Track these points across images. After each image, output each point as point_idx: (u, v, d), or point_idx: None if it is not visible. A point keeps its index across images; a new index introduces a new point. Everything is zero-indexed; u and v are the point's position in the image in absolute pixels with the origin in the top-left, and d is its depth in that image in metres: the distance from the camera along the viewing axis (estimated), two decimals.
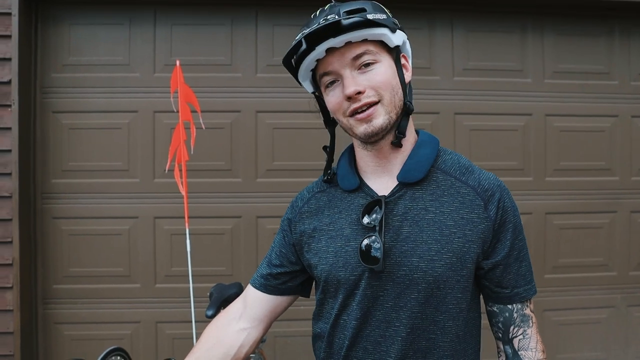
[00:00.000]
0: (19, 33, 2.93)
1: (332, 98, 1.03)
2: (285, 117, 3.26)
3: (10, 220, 2.94)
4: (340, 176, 1.13)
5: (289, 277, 1.19)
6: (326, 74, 1.02)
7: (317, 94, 1.12)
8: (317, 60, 1.01)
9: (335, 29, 0.95)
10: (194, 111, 2.73)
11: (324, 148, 1.17)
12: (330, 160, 1.17)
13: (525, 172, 3.35)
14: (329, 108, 1.07)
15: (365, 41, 0.99)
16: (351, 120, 1.02)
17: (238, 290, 2.37)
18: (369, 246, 1.00)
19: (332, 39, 0.96)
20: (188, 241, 2.69)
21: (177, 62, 2.69)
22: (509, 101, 3.35)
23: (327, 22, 0.94)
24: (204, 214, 3.19)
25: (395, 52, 1.04)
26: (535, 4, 3.32)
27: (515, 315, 1.06)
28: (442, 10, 3.30)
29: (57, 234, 3.16)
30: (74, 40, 3.19)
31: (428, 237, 1.00)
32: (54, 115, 3.17)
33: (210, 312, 2.12)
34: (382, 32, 0.99)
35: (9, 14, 2.92)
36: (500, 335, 1.09)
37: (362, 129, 1.01)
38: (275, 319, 1.23)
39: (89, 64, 3.19)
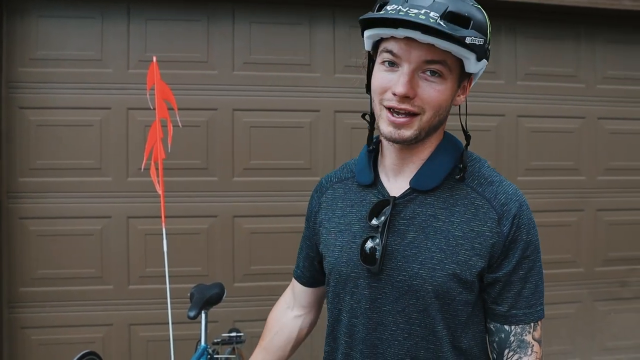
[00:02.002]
0: None
1: (381, 79, 0.96)
2: (263, 115, 3.23)
3: None
4: (357, 170, 1.11)
5: (321, 268, 1.20)
6: (391, 52, 0.93)
7: (371, 53, 1.02)
8: (392, 36, 0.93)
9: (425, 27, 0.86)
10: (170, 108, 2.67)
11: (363, 116, 1.09)
12: (371, 128, 1.08)
13: (498, 172, 3.41)
14: (372, 82, 0.99)
15: (447, 51, 0.91)
16: (384, 112, 0.96)
17: (219, 291, 2.33)
18: (373, 248, 0.99)
19: (420, 33, 0.87)
20: (165, 241, 2.63)
21: (154, 58, 2.62)
22: (483, 102, 3.41)
23: (432, 24, 0.85)
24: (179, 214, 3.13)
25: (466, 78, 1.00)
26: (508, 8, 3.39)
27: (512, 338, 0.99)
28: None
29: (25, 234, 3.04)
30: (42, 33, 3.07)
31: (432, 244, 0.97)
32: (21, 111, 3.04)
33: (192, 314, 2.07)
34: (467, 56, 0.92)
35: None
36: (495, 356, 1.03)
37: (388, 129, 0.96)
38: (324, 301, 1.27)
39: (59, 59, 3.07)
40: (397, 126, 0.95)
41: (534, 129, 3.51)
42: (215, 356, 2.36)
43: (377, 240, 0.99)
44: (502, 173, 3.48)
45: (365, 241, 1.01)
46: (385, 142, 1.06)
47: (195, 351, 2.15)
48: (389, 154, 1.06)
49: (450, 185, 1.02)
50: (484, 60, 0.97)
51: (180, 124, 2.73)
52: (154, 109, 2.61)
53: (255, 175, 3.23)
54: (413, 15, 0.85)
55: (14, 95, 3.03)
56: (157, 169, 2.61)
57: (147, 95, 2.63)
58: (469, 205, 0.99)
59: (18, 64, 3.04)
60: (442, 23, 0.86)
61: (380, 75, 0.96)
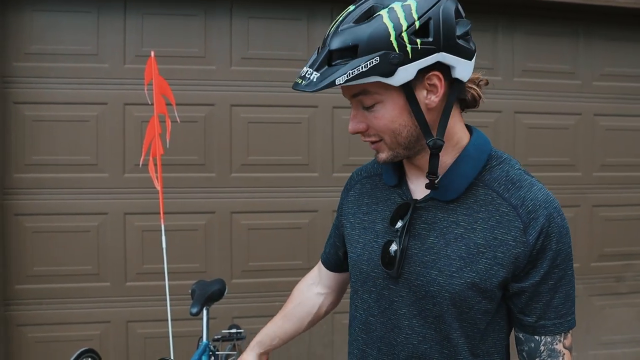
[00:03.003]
0: None
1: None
2: (261, 111, 3.21)
3: None
4: (384, 169, 1.10)
5: (345, 258, 1.23)
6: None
7: None
8: None
9: (309, 85, 0.87)
10: (168, 104, 2.65)
11: None
12: None
13: None
14: None
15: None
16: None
17: (221, 287, 2.32)
18: (396, 252, 0.98)
19: (309, 91, 0.87)
20: (164, 237, 2.61)
21: (152, 53, 2.60)
22: None
23: (303, 87, 0.87)
24: (177, 210, 3.11)
25: (408, 87, 0.89)
26: (505, 4, 3.40)
27: (542, 348, 0.96)
28: None
29: (20, 231, 3.00)
30: (36, 27, 3.03)
31: (452, 252, 0.94)
32: (16, 106, 3.00)
33: (194, 310, 2.06)
34: (370, 80, 0.86)
35: None
36: None
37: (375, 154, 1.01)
38: (347, 287, 1.31)
39: (54, 53, 3.03)
40: (375, 150, 0.99)
41: (531, 125, 3.52)
42: (216, 353, 2.35)
43: (396, 245, 0.99)
44: None
45: (388, 244, 1.00)
46: None
47: (197, 348, 2.14)
48: (405, 161, 1.05)
49: (475, 191, 0.97)
50: (413, 64, 0.86)
51: (178, 120, 2.71)
52: (152, 104, 2.58)
53: (253, 171, 3.21)
54: (299, 82, 0.88)
55: (9, 90, 2.99)
56: (155, 164, 2.59)
57: (145, 91, 2.61)
58: (494, 212, 0.95)
59: (12, 58, 3.00)
60: (313, 77, 0.86)
61: None
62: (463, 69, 0.92)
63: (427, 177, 0.96)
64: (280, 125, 3.23)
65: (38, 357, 3.02)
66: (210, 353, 2.21)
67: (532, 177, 1.00)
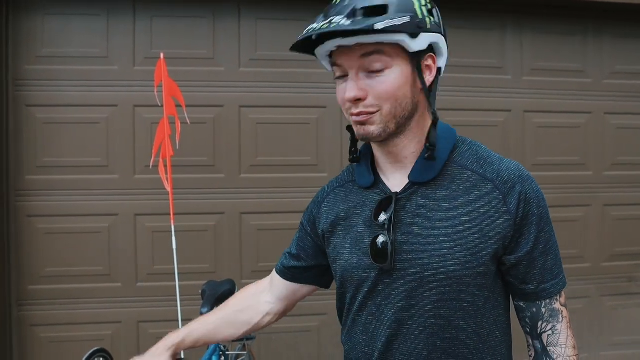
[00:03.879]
0: None
1: (338, 92, 1.00)
2: (269, 112, 3.22)
3: None
4: (357, 174, 1.11)
5: (304, 270, 1.25)
6: (337, 65, 0.98)
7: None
8: (332, 50, 0.98)
9: (343, 31, 0.90)
10: (178, 105, 2.67)
11: (348, 127, 1.07)
12: (354, 139, 1.09)
13: None
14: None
15: (380, 42, 0.92)
16: (351, 119, 1.00)
17: (231, 287, 2.33)
18: (384, 243, 0.99)
19: (341, 38, 0.92)
20: (174, 238, 2.63)
21: (161, 55, 2.62)
22: (489, 97, 3.41)
23: (334, 27, 0.88)
24: (187, 211, 3.13)
25: (418, 58, 0.96)
26: (514, 3, 3.38)
27: (543, 310, 1.01)
28: None
29: (32, 232, 3.04)
30: (47, 31, 3.06)
31: (440, 233, 0.96)
32: (28, 109, 3.04)
33: (205, 310, 2.07)
34: (398, 39, 0.91)
35: None
36: (528, 330, 1.04)
37: (357, 130, 1.00)
38: (298, 300, 1.33)
39: (65, 56, 3.07)
40: (361, 123, 0.98)
41: (541, 124, 3.50)
42: (227, 353, 2.36)
43: (386, 237, 1.00)
44: None
45: (375, 239, 1.01)
46: (375, 146, 1.08)
47: (207, 348, 2.15)
48: (379, 154, 1.07)
49: (451, 172, 1.01)
50: (426, 35, 0.94)
51: (188, 121, 2.74)
52: (162, 105, 2.61)
53: (262, 172, 3.23)
54: (324, 26, 0.89)
55: (21, 93, 3.03)
56: (165, 166, 2.62)
57: (155, 92, 2.63)
58: (472, 188, 0.98)
59: (24, 61, 3.04)
60: (343, 22, 0.88)
61: (338, 90, 1.00)
62: (444, 58, 1.02)
63: (426, 147, 1.00)
64: (288, 126, 3.24)
65: (51, 357, 3.05)
66: (221, 353, 2.22)
67: (498, 154, 1.06)
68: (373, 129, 0.97)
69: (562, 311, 1.02)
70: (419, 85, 0.98)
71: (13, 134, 3.01)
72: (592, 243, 3.57)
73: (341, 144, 3.29)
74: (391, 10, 0.91)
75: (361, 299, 1.07)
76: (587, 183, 3.57)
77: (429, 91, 1.00)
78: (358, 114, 0.96)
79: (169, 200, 2.64)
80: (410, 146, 1.02)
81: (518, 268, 0.99)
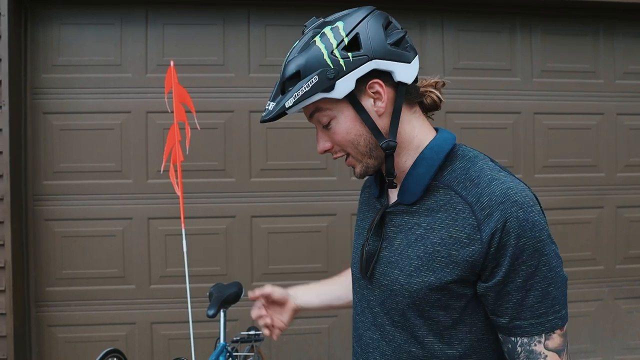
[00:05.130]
0: (9, 33, 2.90)
1: None
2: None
3: (1, 222, 2.91)
4: (371, 182, 1.17)
5: None
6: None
7: None
8: None
9: (268, 117, 0.99)
10: (188, 111, 2.73)
11: None
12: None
13: (515, 169, 3.41)
14: None
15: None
16: None
17: (237, 290, 2.38)
18: (368, 253, 1.06)
19: (271, 119, 0.99)
20: (184, 241, 2.69)
21: (171, 62, 2.69)
22: (499, 99, 3.40)
23: (264, 116, 0.99)
24: (198, 214, 3.19)
25: (353, 98, 0.97)
26: (523, 5, 3.38)
27: (519, 349, 0.93)
28: (433, 11, 3.34)
29: (50, 236, 3.13)
30: (64, 40, 3.16)
31: (412, 252, 0.98)
32: (45, 116, 3.14)
33: (211, 312, 2.12)
34: (315, 99, 0.95)
35: None
36: None
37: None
38: None
39: (80, 65, 3.16)
40: (350, 166, 1.05)
41: (551, 126, 3.48)
42: (234, 354, 2.40)
43: (369, 247, 1.06)
44: (519, 171, 3.40)
45: (363, 248, 1.07)
46: None
47: (215, 349, 2.20)
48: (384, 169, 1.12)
49: (436, 192, 0.99)
50: (350, 75, 0.94)
51: (198, 127, 2.80)
52: (172, 112, 2.67)
53: (272, 175, 3.27)
54: (263, 114, 0.99)
55: (38, 101, 3.13)
56: (175, 170, 2.68)
57: (166, 99, 2.70)
58: (451, 211, 0.96)
59: (41, 70, 3.14)
60: (269, 108, 0.98)
61: None
62: (403, 72, 0.98)
63: (385, 178, 1.02)
64: (298, 130, 3.27)
65: (68, 357, 3.14)
66: (228, 354, 2.26)
67: (501, 170, 0.98)
68: (357, 169, 1.04)
69: (545, 356, 0.91)
70: (377, 113, 0.98)
71: (31, 141, 3.11)
72: (605, 245, 3.53)
73: None
74: (302, 74, 0.94)
75: (354, 297, 1.14)
76: (599, 185, 3.53)
77: (393, 113, 0.99)
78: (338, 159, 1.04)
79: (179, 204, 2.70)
80: (407, 163, 1.04)
81: (487, 298, 0.94)
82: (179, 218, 2.72)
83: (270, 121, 0.98)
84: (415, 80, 1.03)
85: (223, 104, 3.24)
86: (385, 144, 0.98)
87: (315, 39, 0.96)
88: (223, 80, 3.25)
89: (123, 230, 3.18)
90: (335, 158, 1.05)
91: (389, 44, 0.96)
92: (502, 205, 0.90)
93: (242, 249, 3.26)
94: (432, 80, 1.06)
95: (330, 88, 0.94)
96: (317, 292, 1.39)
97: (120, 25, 3.18)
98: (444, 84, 1.07)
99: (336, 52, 0.94)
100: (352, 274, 1.17)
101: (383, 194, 1.11)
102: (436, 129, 1.07)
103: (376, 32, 0.96)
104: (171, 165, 2.68)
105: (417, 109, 1.04)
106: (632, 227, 3.55)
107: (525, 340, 0.92)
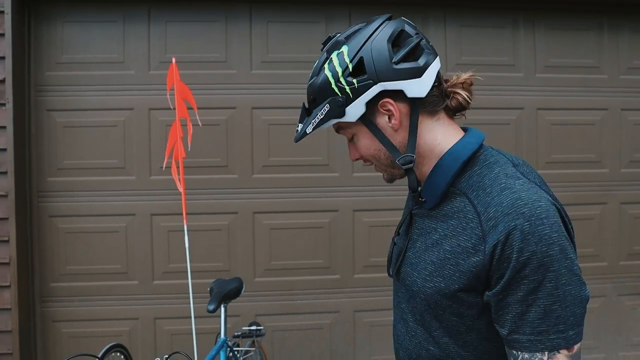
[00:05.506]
0: (13, 31, 2.92)
1: None
2: (281, 113, 3.27)
3: (6, 219, 2.93)
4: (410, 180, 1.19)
5: None
6: None
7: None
8: None
9: (297, 138, 1.07)
10: (190, 108, 2.74)
11: None
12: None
13: None
14: None
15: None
16: None
17: (238, 285, 2.39)
18: (396, 250, 1.14)
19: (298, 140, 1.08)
20: (186, 237, 2.71)
21: (173, 59, 2.70)
22: (502, 95, 3.39)
23: (295, 137, 1.07)
24: (201, 211, 3.21)
25: (366, 119, 1.00)
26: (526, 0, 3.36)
27: None
28: (435, 6, 3.33)
29: (54, 232, 3.16)
30: (67, 38, 3.18)
31: (428, 257, 1.01)
32: (49, 113, 3.16)
33: (211, 307, 2.14)
34: (331, 124, 1.03)
35: (2, 12, 2.90)
36: None
37: None
38: None
39: (83, 62, 3.18)
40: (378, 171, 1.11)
41: (554, 121, 3.47)
42: (235, 349, 2.42)
43: (397, 246, 1.14)
44: None
45: (394, 245, 1.16)
46: None
47: (215, 344, 2.22)
48: None
49: (453, 198, 0.99)
50: (359, 100, 0.97)
51: (200, 123, 2.81)
52: (174, 108, 2.68)
53: (274, 172, 3.28)
54: (295, 135, 1.07)
55: (42, 98, 3.15)
56: (178, 167, 2.69)
57: (168, 96, 2.71)
58: (462, 219, 0.95)
59: (45, 67, 3.16)
60: (298, 129, 1.05)
61: None
62: (414, 87, 0.97)
63: (410, 189, 1.07)
64: None
65: (72, 352, 3.15)
66: (229, 349, 2.28)
67: (520, 179, 0.94)
68: (386, 176, 1.10)
69: None
70: (393, 128, 1.00)
71: (35, 138, 3.14)
72: (609, 241, 3.52)
73: None
74: (317, 101, 1.01)
75: (392, 292, 1.21)
76: (603, 181, 3.52)
77: (410, 127, 1.00)
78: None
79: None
80: (426, 168, 1.05)
81: (490, 307, 0.93)
82: (182, 214, 2.74)
83: (299, 141, 1.08)
84: (439, 82, 1.01)
85: (225, 101, 3.25)
86: (402, 160, 1.01)
87: (324, 65, 1.00)
88: (225, 77, 3.26)
89: (126, 226, 3.20)
90: (366, 165, 1.12)
91: (395, 62, 0.96)
92: (507, 217, 0.88)
93: (244, 245, 3.27)
94: (462, 78, 1.03)
95: (342, 114, 0.99)
96: None
97: (123, 23, 3.20)
98: (472, 83, 1.04)
99: (342, 80, 0.97)
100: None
101: (418, 195, 1.12)
102: (465, 129, 1.06)
103: (381, 52, 0.96)
104: (173, 162, 2.69)
105: (442, 114, 1.03)
106: (636, 224, 3.54)
107: (527, 356, 0.89)
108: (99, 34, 3.19)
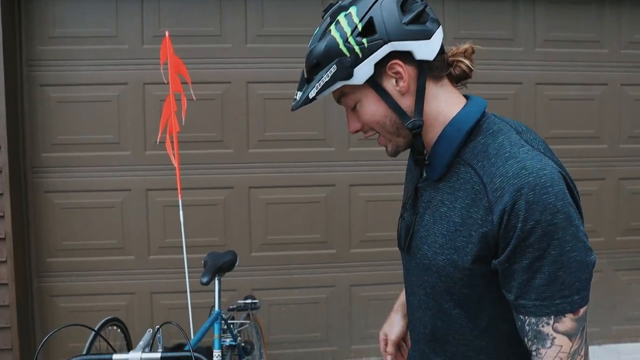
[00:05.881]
0: (2, 5, 2.88)
1: None
2: (276, 87, 3.24)
3: (1, 194, 2.93)
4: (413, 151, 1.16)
5: None
6: None
7: None
8: None
9: (296, 105, 1.01)
10: (184, 82, 2.72)
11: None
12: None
13: None
14: None
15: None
16: None
17: (232, 258, 2.39)
18: (404, 224, 1.11)
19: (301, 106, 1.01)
20: (181, 212, 2.71)
21: (167, 33, 2.67)
22: (500, 70, 3.35)
23: (294, 105, 1.02)
24: (196, 185, 3.20)
25: (374, 83, 0.98)
26: None
27: (527, 328, 0.92)
28: None
29: (50, 207, 3.16)
30: (59, 12, 3.13)
31: (437, 229, 1.01)
32: (42, 88, 3.13)
33: (205, 280, 2.14)
34: (337, 87, 0.98)
35: None
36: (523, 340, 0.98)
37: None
38: None
39: (76, 36, 3.14)
40: (381, 145, 1.06)
41: (553, 96, 3.43)
42: (230, 321, 2.43)
43: (406, 220, 1.11)
44: None
45: (401, 219, 1.13)
46: None
47: (209, 316, 2.23)
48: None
49: (457, 169, 0.99)
50: (367, 61, 0.95)
51: (194, 97, 2.78)
52: (168, 83, 2.65)
53: (270, 146, 3.26)
54: (292, 104, 1.03)
55: (35, 73, 3.12)
56: (172, 142, 2.67)
57: (161, 70, 2.68)
58: (470, 190, 0.95)
59: (37, 42, 3.12)
60: (297, 98, 1.01)
61: None
62: (423, 49, 0.97)
63: (414, 157, 1.05)
64: None
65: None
66: (223, 321, 2.29)
67: (524, 147, 0.94)
68: (389, 149, 1.05)
69: (553, 338, 0.90)
70: (400, 92, 0.99)
71: (28, 113, 3.11)
72: (607, 217, 3.51)
73: None
74: (322, 64, 0.97)
75: (402, 265, 1.21)
76: (602, 156, 3.50)
77: (417, 91, 0.99)
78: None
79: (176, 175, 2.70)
80: (433, 139, 1.03)
81: (498, 274, 0.94)
82: (177, 189, 2.73)
83: (298, 109, 1.02)
84: (442, 51, 1.01)
85: (220, 75, 3.22)
86: (411, 124, 0.99)
87: (330, 27, 0.97)
88: (220, 51, 3.22)
89: (122, 201, 3.20)
90: (367, 137, 1.08)
91: (405, 23, 0.95)
92: (512, 187, 0.88)
93: (240, 220, 3.27)
94: (462, 48, 1.03)
95: (349, 75, 0.96)
96: None
97: None
98: (473, 51, 1.04)
99: (351, 39, 0.95)
100: (397, 243, 1.20)
101: (422, 166, 1.11)
102: (467, 97, 1.05)
103: (391, 13, 0.95)
104: (167, 137, 2.68)
105: (445, 81, 1.02)
106: (633, 199, 3.53)
107: (533, 320, 0.91)
108: (92, 7, 3.14)
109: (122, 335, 2.71)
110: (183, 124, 2.74)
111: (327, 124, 3.29)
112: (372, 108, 1.00)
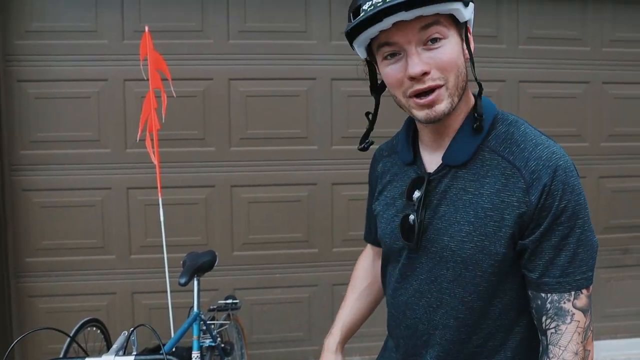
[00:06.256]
0: None
1: (392, 72, 0.96)
2: (259, 84, 3.21)
3: None
4: (399, 148, 1.15)
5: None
6: (388, 44, 0.95)
7: (368, 59, 1.05)
8: (381, 30, 0.93)
9: (408, 3, 0.87)
10: (164, 79, 2.68)
11: (367, 114, 1.12)
12: (370, 128, 1.13)
13: None
14: (386, 82, 1.00)
15: (436, 14, 0.92)
16: (411, 102, 0.97)
17: (211, 258, 2.37)
18: (414, 221, 1.04)
19: (405, 12, 0.88)
20: (161, 211, 2.67)
21: (146, 28, 2.62)
22: (483, 67, 3.34)
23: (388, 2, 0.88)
24: (177, 184, 3.16)
25: (464, 27, 0.97)
26: None
27: (548, 305, 0.96)
28: None
29: (28, 206, 3.11)
30: (37, 5, 3.07)
31: (462, 217, 0.99)
32: (19, 84, 3.07)
33: (183, 280, 2.12)
34: (455, 8, 0.92)
35: None
36: (535, 322, 1.01)
37: (422, 114, 0.97)
38: None
39: (54, 31, 3.08)
40: (430, 105, 0.95)
41: (536, 94, 3.44)
42: (209, 322, 2.41)
43: (415, 216, 1.04)
44: None
45: (406, 218, 1.06)
46: (419, 125, 1.09)
47: (188, 317, 2.20)
48: (425, 132, 1.08)
49: (482, 156, 1.00)
50: (471, 5, 0.97)
51: (174, 94, 2.74)
52: (147, 79, 2.61)
53: (252, 144, 3.23)
54: (378, 3, 0.89)
55: (12, 68, 3.06)
56: (152, 139, 2.63)
57: (141, 66, 2.63)
58: (499, 176, 0.97)
59: (14, 36, 3.05)
60: None
61: (389, 70, 0.97)
62: (472, 21, 1.01)
63: (474, 118, 1.00)
64: (278, 98, 3.23)
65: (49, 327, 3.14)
66: (202, 322, 2.27)
67: (542, 134, 1.01)
68: (443, 107, 0.95)
69: (573, 314, 0.94)
70: (467, 55, 0.99)
71: (5, 110, 3.05)
72: None
73: (331, 116, 3.28)
74: None
75: (390, 269, 1.17)
76: (583, 154, 3.52)
77: (471, 61, 1.00)
78: (426, 94, 0.94)
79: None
80: (458, 120, 1.03)
81: (523, 254, 0.98)
82: (157, 188, 2.70)
83: (401, 9, 0.88)
84: None
85: (202, 72, 3.18)
86: (481, 83, 1.01)
87: None
88: (201, 46, 3.17)
89: (102, 200, 3.15)
90: (423, 89, 0.94)
91: None
92: (548, 169, 0.93)
93: (222, 219, 3.24)
94: None
95: (467, 4, 0.95)
96: (358, 321, 1.37)
97: None
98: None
99: None
100: (386, 246, 1.15)
101: (417, 160, 1.10)
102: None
103: None
104: (147, 134, 2.64)
105: None
106: (613, 197, 3.56)
107: (555, 297, 0.95)
108: (71, 1, 3.08)
109: (102, 336, 2.67)
110: (163, 121, 2.70)
111: (310, 122, 3.27)
112: (458, 50, 0.95)
